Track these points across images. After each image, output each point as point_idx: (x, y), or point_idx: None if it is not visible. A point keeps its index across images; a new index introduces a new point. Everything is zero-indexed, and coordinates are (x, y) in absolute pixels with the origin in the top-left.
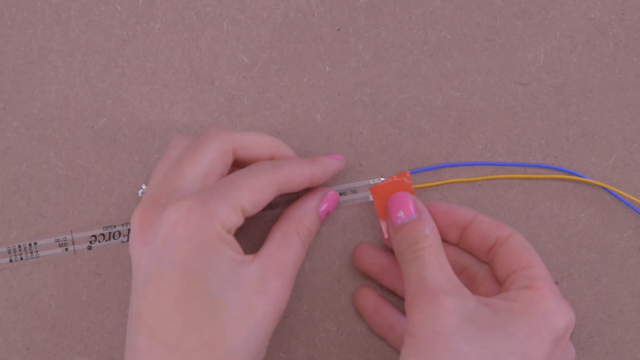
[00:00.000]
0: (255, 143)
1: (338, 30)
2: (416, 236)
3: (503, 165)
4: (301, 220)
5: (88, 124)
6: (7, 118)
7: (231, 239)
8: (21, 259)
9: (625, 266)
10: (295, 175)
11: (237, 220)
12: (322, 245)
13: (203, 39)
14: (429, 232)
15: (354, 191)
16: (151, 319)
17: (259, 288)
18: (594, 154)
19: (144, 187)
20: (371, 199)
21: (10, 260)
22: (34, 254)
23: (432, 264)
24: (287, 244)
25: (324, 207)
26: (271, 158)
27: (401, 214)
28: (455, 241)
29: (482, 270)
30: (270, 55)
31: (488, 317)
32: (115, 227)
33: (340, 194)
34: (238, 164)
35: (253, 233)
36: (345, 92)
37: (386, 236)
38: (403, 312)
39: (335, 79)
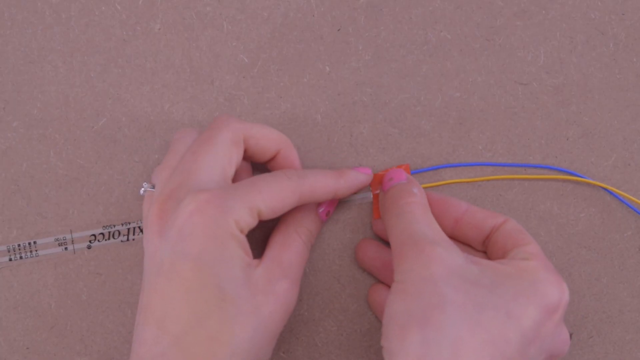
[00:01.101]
0: (263, 135)
1: (338, 30)
2: (403, 191)
3: (503, 165)
4: (300, 221)
5: (88, 124)
6: (7, 118)
7: (243, 238)
8: (20, 257)
9: (625, 266)
10: (318, 187)
11: (251, 222)
12: (322, 245)
13: (203, 39)
14: (417, 192)
15: None
16: (160, 310)
17: (266, 289)
18: (594, 154)
19: (145, 185)
20: (370, 199)
21: (10, 259)
22: (34, 253)
23: (419, 218)
24: (289, 245)
25: (322, 207)
26: (277, 152)
27: (392, 180)
28: (450, 232)
29: (477, 256)
30: (270, 55)
31: (475, 274)
32: (114, 226)
33: None
34: (244, 156)
35: (252, 233)
36: (345, 92)
37: (375, 216)
38: None
39: (335, 79)
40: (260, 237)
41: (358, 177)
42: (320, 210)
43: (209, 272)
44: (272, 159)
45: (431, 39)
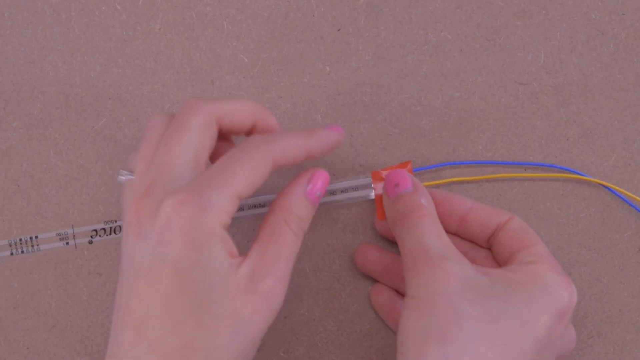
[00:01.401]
0: (236, 110)
1: (338, 30)
2: (412, 205)
3: (503, 164)
4: (289, 208)
5: (88, 124)
6: (7, 118)
7: (224, 234)
8: (22, 252)
9: (625, 266)
10: (290, 148)
11: (232, 210)
12: (322, 245)
13: (203, 39)
14: (425, 203)
15: (355, 188)
16: (139, 315)
17: (247, 288)
18: (594, 153)
19: (123, 173)
20: (371, 197)
21: (12, 254)
22: (35, 247)
23: (430, 232)
24: (276, 237)
25: (310, 187)
26: (254, 124)
27: (397, 186)
28: (454, 230)
29: (481, 254)
30: (270, 55)
31: (487, 285)
32: (117, 221)
33: (341, 191)
34: (221, 134)
35: (243, 227)
36: (345, 92)
37: (379, 218)
38: None
39: (335, 79)
40: (254, 233)
41: (329, 136)
42: (308, 189)
43: (187, 277)
44: (251, 129)
45: (431, 39)
